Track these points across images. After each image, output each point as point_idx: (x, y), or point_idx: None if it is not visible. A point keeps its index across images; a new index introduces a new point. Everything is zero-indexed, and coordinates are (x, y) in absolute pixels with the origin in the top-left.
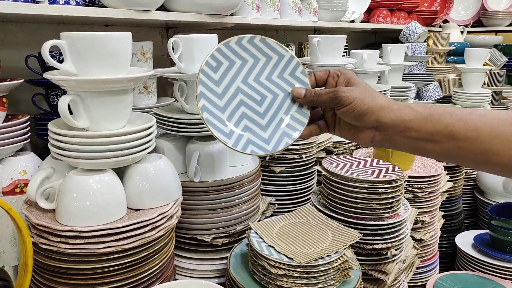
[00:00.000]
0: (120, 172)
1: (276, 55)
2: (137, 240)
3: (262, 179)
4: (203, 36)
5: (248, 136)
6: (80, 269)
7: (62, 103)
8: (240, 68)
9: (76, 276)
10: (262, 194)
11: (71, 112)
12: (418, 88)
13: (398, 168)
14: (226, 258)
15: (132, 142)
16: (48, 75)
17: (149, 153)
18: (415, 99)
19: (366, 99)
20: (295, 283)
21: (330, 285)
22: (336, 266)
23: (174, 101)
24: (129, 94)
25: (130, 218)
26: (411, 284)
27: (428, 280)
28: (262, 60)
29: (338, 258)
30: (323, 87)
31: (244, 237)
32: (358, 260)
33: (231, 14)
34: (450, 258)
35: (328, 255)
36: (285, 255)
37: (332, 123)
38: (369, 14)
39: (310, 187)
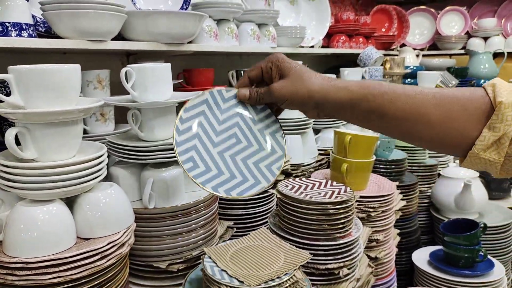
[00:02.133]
0: (70, 201)
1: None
2: (86, 270)
3: (220, 203)
4: (155, 65)
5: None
6: None
7: (9, 135)
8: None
9: None
10: (221, 218)
11: (19, 143)
12: None
13: (350, 189)
14: (181, 284)
15: (82, 171)
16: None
17: (101, 181)
18: None
19: (300, 91)
20: None
21: None
22: (287, 287)
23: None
24: (78, 125)
25: (79, 248)
26: None
27: None
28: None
29: (288, 279)
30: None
31: (200, 263)
32: (312, 280)
33: (189, 42)
34: (408, 275)
35: (278, 277)
36: (237, 279)
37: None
38: (329, 39)
39: (269, 210)
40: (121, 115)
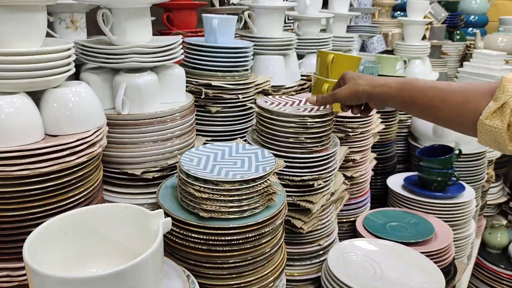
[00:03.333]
0: (37, 98)
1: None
2: (55, 165)
3: (198, 119)
4: None
5: None
6: None
7: None
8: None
9: None
10: (198, 134)
11: None
12: (363, 40)
13: (330, 106)
14: (156, 192)
15: (47, 63)
16: None
17: None
18: (359, 51)
19: (353, 91)
20: (219, 205)
21: (254, 208)
22: (260, 190)
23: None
24: (40, 13)
25: (47, 142)
26: (344, 220)
27: (359, 215)
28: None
29: (262, 182)
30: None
31: (176, 172)
32: (288, 192)
33: None
34: (383, 198)
35: (252, 179)
36: (211, 181)
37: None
38: None
39: (247, 128)
40: (94, 26)
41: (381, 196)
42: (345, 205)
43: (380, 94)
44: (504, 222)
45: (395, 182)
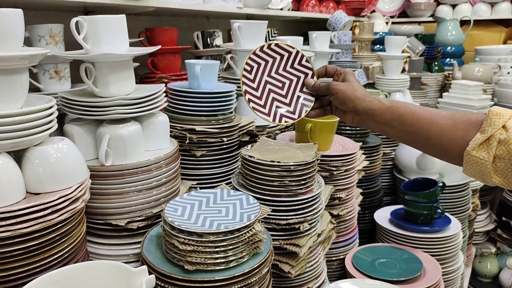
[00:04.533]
0: (19, 155)
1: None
2: (36, 224)
3: (183, 163)
4: (108, 16)
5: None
6: None
7: None
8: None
9: None
10: (184, 178)
11: None
12: None
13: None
14: (141, 242)
15: (29, 123)
16: None
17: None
18: None
19: (348, 92)
20: (204, 257)
21: (240, 257)
22: (245, 239)
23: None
24: (23, 75)
25: (28, 202)
26: (333, 258)
27: (348, 253)
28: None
29: (247, 231)
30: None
31: (160, 221)
32: (273, 235)
33: None
34: (371, 233)
35: (237, 229)
36: (195, 232)
37: (331, 107)
38: (298, 3)
39: (232, 171)
40: (78, 73)
41: (370, 230)
42: (333, 243)
43: (370, 106)
44: (493, 249)
45: (382, 216)
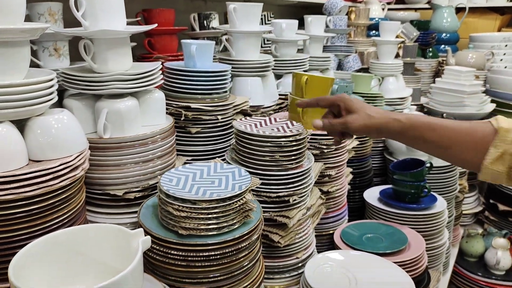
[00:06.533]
0: (21, 125)
1: None
2: (39, 188)
3: (178, 139)
4: None
5: None
6: None
7: None
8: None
9: None
10: (179, 154)
11: None
12: (340, 59)
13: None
14: (137, 212)
15: (31, 93)
16: None
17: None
18: (336, 70)
19: (367, 123)
20: (197, 223)
21: (231, 224)
22: (236, 207)
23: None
24: (24, 48)
25: (31, 167)
26: (323, 233)
27: (337, 228)
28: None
29: (238, 200)
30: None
31: (156, 192)
32: (264, 208)
33: None
34: (361, 211)
35: (228, 198)
36: (189, 200)
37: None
38: None
39: (226, 148)
40: (76, 51)
41: (359, 209)
42: (323, 218)
43: (391, 129)
44: (480, 231)
45: (372, 195)
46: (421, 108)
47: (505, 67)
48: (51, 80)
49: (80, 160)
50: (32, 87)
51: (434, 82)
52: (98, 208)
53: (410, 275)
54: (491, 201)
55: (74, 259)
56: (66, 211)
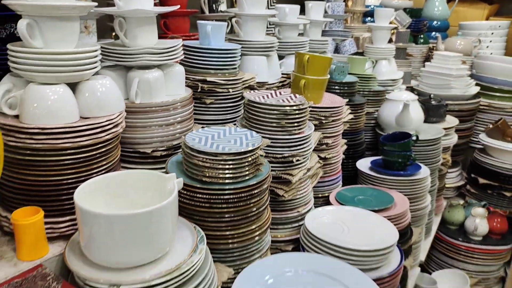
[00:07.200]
0: (72, 89)
1: None
2: (90, 139)
3: (195, 109)
4: None
5: None
6: (42, 161)
7: (21, 25)
8: None
9: (39, 168)
10: (196, 122)
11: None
12: (337, 43)
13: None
14: (164, 167)
15: (81, 60)
16: (5, 1)
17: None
18: (333, 53)
19: None
20: (217, 173)
21: (245, 175)
22: (250, 161)
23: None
24: (75, 22)
25: (83, 122)
26: (319, 195)
27: (332, 191)
28: None
29: (251, 155)
30: None
31: (179, 151)
32: (272, 167)
33: None
34: (353, 179)
35: (243, 152)
36: (211, 153)
37: None
38: None
39: (237, 117)
40: (101, 30)
41: (352, 177)
42: (320, 182)
43: None
44: (462, 202)
45: (364, 164)
46: (411, 89)
47: (491, 53)
48: (96, 50)
49: (120, 118)
50: (82, 55)
51: (424, 66)
52: (130, 165)
53: (396, 228)
54: (472, 175)
55: (117, 200)
56: (106, 162)
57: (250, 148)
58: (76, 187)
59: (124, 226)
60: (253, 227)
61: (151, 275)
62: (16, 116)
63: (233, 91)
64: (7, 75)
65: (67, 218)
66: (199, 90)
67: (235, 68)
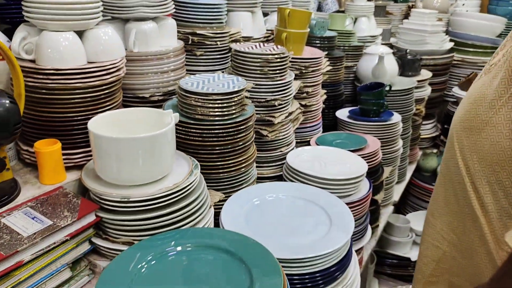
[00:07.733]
0: (80, 37)
1: None
2: (98, 80)
3: (187, 60)
4: None
5: None
6: (56, 99)
7: None
8: None
9: (53, 106)
10: (187, 73)
11: None
12: (319, 1)
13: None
14: (161, 107)
15: (87, 10)
16: None
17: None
18: (316, 11)
19: None
20: (209, 111)
21: (233, 113)
22: (236, 100)
23: None
24: None
25: (91, 65)
26: (302, 140)
27: (312, 137)
28: None
29: (238, 95)
30: None
31: (174, 97)
32: (257, 110)
33: None
34: (333, 128)
35: (231, 93)
36: (203, 93)
37: None
38: None
39: (224, 68)
40: None
41: (332, 126)
42: (302, 127)
43: None
44: (435, 151)
45: (342, 113)
46: (390, 46)
47: (467, 10)
48: (99, 1)
49: (122, 63)
50: (88, 5)
51: (403, 24)
52: None
53: (368, 166)
54: (445, 126)
55: (123, 131)
56: (110, 103)
57: (236, 89)
58: (86, 123)
59: (131, 148)
60: (240, 159)
61: (154, 191)
62: (32, 61)
63: (221, 44)
64: (21, 24)
65: (80, 150)
66: (189, 42)
67: (222, 22)
